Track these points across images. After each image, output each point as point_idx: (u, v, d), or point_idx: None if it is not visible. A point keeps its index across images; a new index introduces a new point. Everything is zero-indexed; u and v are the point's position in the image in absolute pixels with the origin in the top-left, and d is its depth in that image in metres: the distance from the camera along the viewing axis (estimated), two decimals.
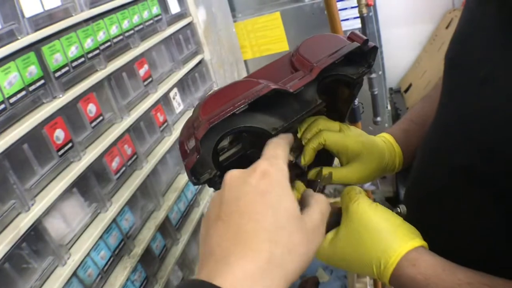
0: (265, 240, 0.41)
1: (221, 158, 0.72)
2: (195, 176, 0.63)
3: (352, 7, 2.37)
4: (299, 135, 0.79)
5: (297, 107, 0.70)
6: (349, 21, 2.42)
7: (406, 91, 2.93)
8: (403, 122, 0.86)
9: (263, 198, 0.44)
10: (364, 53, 0.78)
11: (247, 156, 0.74)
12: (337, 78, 0.77)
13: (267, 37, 2.52)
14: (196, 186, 1.48)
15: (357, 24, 2.24)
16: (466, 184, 0.57)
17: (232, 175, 0.47)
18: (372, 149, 0.75)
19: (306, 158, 0.72)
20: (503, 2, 0.54)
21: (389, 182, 2.57)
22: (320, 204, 0.50)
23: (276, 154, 0.50)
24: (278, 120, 0.68)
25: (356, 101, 1.59)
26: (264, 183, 0.45)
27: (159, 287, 1.18)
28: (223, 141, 0.66)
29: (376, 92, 2.27)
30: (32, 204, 0.89)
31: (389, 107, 2.72)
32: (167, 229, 1.27)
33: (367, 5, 2.04)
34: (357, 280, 1.81)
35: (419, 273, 0.54)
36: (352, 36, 0.77)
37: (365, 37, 0.75)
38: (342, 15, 2.40)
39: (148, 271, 1.17)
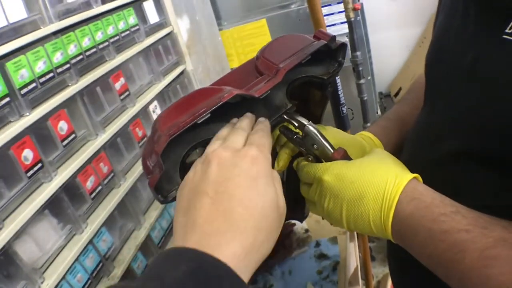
0: (252, 226, 0.44)
1: None
2: (161, 193, 0.59)
3: (339, 12, 2.34)
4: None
5: (266, 113, 0.67)
6: (336, 26, 2.39)
7: (396, 95, 2.91)
8: (379, 121, 0.88)
9: (253, 185, 0.47)
10: (332, 52, 0.74)
11: None
12: (307, 80, 0.73)
13: (254, 44, 2.49)
14: None
15: (345, 29, 2.21)
16: (463, 166, 0.58)
17: (222, 155, 0.49)
18: (352, 142, 0.74)
19: (280, 163, 0.71)
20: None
21: None
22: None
23: (263, 143, 0.53)
24: None
25: (344, 109, 1.55)
26: (255, 169, 0.48)
27: None
28: (192, 154, 0.62)
29: (365, 98, 2.24)
30: (1, 228, 0.84)
31: (379, 112, 2.69)
32: (149, 248, 1.22)
33: (354, 9, 2.02)
34: None
35: (418, 202, 0.53)
36: (318, 34, 0.73)
37: (331, 34, 0.71)
38: (329, 20, 2.38)
39: None
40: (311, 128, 0.64)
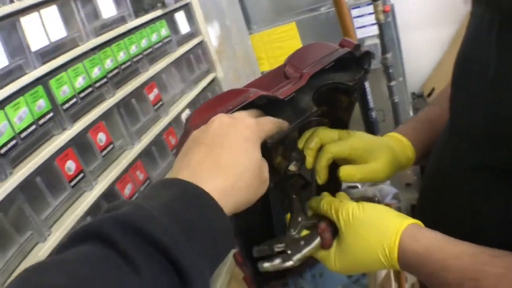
0: (234, 173, 0.52)
1: None
2: None
3: (369, 14, 2.34)
4: (300, 146, 0.79)
5: (292, 115, 0.71)
6: (366, 28, 2.39)
7: (429, 95, 2.88)
8: (409, 122, 0.89)
9: (244, 144, 0.55)
10: (357, 59, 0.77)
11: None
12: (334, 86, 0.77)
13: (284, 47, 2.52)
14: None
15: (375, 31, 2.22)
16: (487, 180, 0.60)
17: (223, 118, 0.57)
18: (379, 143, 0.77)
19: (322, 177, 0.75)
20: (496, 5, 0.58)
21: (413, 189, 2.51)
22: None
23: (264, 123, 0.61)
24: None
25: (373, 114, 1.57)
26: (248, 133, 0.56)
27: None
28: None
29: (396, 100, 2.24)
30: (49, 235, 0.91)
31: (411, 113, 2.67)
32: None
33: (384, 12, 2.03)
34: None
35: (421, 246, 0.58)
36: (343, 43, 0.77)
37: (355, 42, 0.75)
38: (359, 22, 2.38)
39: None
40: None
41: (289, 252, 0.66)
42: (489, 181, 0.59)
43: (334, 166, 0.80)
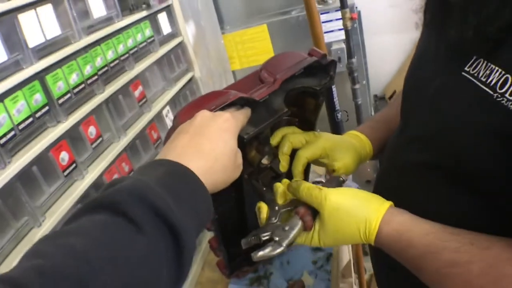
0: (213, 157, 0.62)
1: None
2: None
3: (337, 19, 2.45)
4: (272, 142, 0.90)
5: (266, 115, 0.81)
6: (333, 32, 2.51)
7: (390, 97, 3.03)
8: (367, 122, 1.01)
9: (221, 134, 0.65)
10: (324, 67, 0.89)
11: None
12: (303, 90, 0.88)
13: (255, 48, 2.61)
14: None
15: (342, 35, 2.32)
16: (433, 177, 0.69)
17: (205, 113, 0.68)
18: (343, 142, 0.89)
19: (284, 163, 0.87)
20: (444, 32, 0.66)
21: (372, 185, 2.65)
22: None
23: (237, 115, 0.71)
24: (250, 126, 0.77)
25: (339, 115, 1.69)
26: (225, 125, 0.66)
27: None
28: None
29: (360, 102, 2.37)
30: (43, 220, 0.97)
31: (373, 114, 2.81)
32: None
33: (351, 19, 2.14)
34: (342, 280, 1.89)
35: (392, 229, 0.67)
36: (312, 52, 0.89)
37: (323, 52, 0.87)
38: (327, 26, 2.49)
39: None
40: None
41: (277, 239, 0.72)
42: (435, 179, 0.68)
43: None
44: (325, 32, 2.42)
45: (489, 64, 0.58)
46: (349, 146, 0.89)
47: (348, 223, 0.70)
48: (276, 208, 0.79)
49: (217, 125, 0.66)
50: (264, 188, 0.94)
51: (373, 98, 3.09)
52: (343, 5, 2.04)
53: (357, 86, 2.29)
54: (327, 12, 2.45)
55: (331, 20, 2.49)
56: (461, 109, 0.61)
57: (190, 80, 1.67)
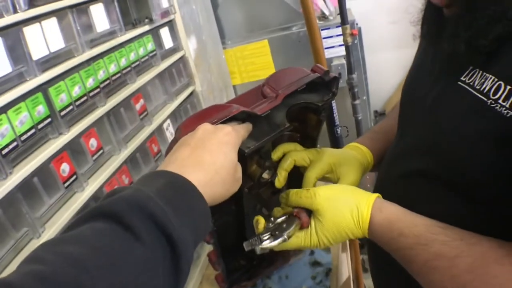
0: (213, 170, 0.63)
1: None
2: None
3: (337, 35, 2.47)
4: (273, 157, 0.91)
5: (268, 129, 0.82)
6: (334, 48, 2.52)
7: None
8: (367, 133, 1.04)
9: (222, 147, 0.65)
10: (327, 83, 0.90)
11: None
12: (305, 105, 0.89)
13: (256, 63, 2.63)
14: None
15: (342, 51, 2.35)
16: (422, 182, 0.72)
17: (207, 126, 0.69)
18: (346, 155, 0.91)
19: (281, 179, 0.89)
20: (440, 46, 0.68)
21: None
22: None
23: (239, 129, 0.72)
24: (251, 140, 0.78)
25: (339, 130, 1.70)
26: (226, 139, 0.67)
27: None
28: None
29: (360, 118, 2.38)
30: (43, 231, 0.97)
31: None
32: None
33: (352, 35, 2.16)
34: None
35: (384, 217, 0.69)
36: (314, 68, 0.90)
37: (325, 69, 0.88)
38: (328, 42, 2.51)
39: None
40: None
41: (277, 233, 0.75)
42: (432, 188, 0.70)
43: (297, 173, 0.93)
44: (326, 48, 2.44)
45: (484, 73, 0.60)
46: (352, 160, 0.91)
47: (342, 212, 0.72)
48: (272, 218, 0.81)
49: (218, 138, 0.67)
50: (264, 203, 0.94)
51: (373, 113, 3.11)
52: (343, 21, 2.06)
53: (357, 101, 2.30)
54: (328, 28, 2.47)
55: (331, 36, 2.51)
56: (457, 116, 0.63)
57: (191, 94, 1.68)
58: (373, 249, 0.93)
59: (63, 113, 1.05)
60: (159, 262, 0.49)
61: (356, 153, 0.94)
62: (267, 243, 0.74)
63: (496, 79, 0.57)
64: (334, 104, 1.70)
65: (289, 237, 0.74)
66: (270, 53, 2.57)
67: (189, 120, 0.76)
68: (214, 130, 0.68)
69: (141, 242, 0.48)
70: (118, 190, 0.54)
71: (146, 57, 1.42)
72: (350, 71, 2.23)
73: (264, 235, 0.76)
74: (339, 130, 1.72)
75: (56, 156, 1.02)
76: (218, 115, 0.75)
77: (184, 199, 0.57)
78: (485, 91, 0.58)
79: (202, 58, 2.10)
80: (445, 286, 0.61)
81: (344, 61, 2.41)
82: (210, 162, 0.63)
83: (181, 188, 0.58)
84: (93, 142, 1.13)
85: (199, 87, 1.73)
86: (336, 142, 1.74)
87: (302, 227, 0.76)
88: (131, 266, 0.46)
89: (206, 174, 0.62)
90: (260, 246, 0.74)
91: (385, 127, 1.00)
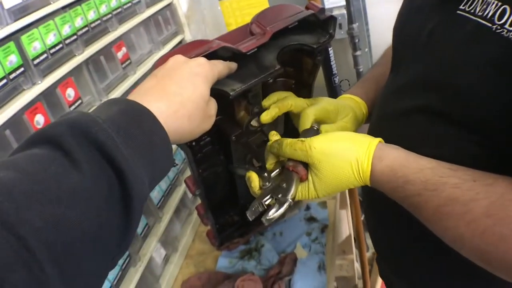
0: (179, 101, 0.57)
1: None
2: None
3: None
4: (264, 104, 0.84)
5: (256, 71, 0.75)
6: None
7: None
8: (358, 83, 0.99)
9: (192, 77, 0.60)
10: (323, 23, 0.83)
11: None
12: (299, 47, 0.82)
13: (253, 14, 2.52)
14: (177, 166, 1.53)
15: (342, 1, 2.25)
16: (423, 119, 0.66)
17: (178, 57, 0.63)
18: (343, 105, 0.86)
19: (270, 114, 0.81)
20: None
21: None
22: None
23: (216, 63, 0.66)
24: (237, 82, 0.72)
25: (336, 79, 1.63)
26: (198, 69, 0.61)
27: (142, 264, 1.23)
28: None
29: (361, 70, 2.30)
30: None
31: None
32: (148, 208, 1.32)
33: None
34: (342, 256, 1.86)
35: (386, 166, 0.63)
36: (309, 6, 0.82)
37: (321, 6, 0.80)
38: None
39: (130, 249, 1.21)
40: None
41: (279, 196, 0.69)
42: (426, 123, 0.66)
43: (291, 125, 0.87)
44: None
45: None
46: (349, 109, 0.86)
47: (340, 167, 0.66)
48: (265, 174, 0.76)
49: (189, 68, 0.61)
50: (254, 153, 0.89)
51: None
52: None
53: (358, 53, 2.22)
54: None
55: None
56: (459, 45, 0.59)
57: (179, 43, 1.61)
58: (370, 204, 0.88)
59: (36, 61, 0.99)
60: (102, 196, 0.43)
61: (352, 103, 0.89)
62: (273, 213, 0.68)
63: (500, 3, 0.54)
64: (331, 52, 1.62)
65: (293, 200, 0.69)
66: (268, 3, 2.46)
67: (166, 55, 0.70)
68: (185, 60, 0.63)
69: (78, 169, 0.42)
70: (65, 114, 0.48)
71: (129, 4, 1.35)
72: (350, 20, 2.14)
73: (265, 199, 0.70)
74: (336, 80, 1.64)
75: (30, 107, 0.96)
76: (197, 50, 0.69)
77: (139, 128, 0.50)
78: (488, 16, 0.55)
79: (195, 9, 2.01)
80: (461, 232, 0.55)
81: (344, 11, 2.31)
82: (176, 93, 0.58)
83: (137, 115, 0.51)
84: (70, 92, 1.07)
85: (188, 35, 1.65)
86: (333, 92, 1.68)
87: (301, 180, 0.71)
88: (64, 195, 0.40)
89: (170, 105, 0.56)
90: (267, 218, 0.68)
91: (376, 75, 0.95)
